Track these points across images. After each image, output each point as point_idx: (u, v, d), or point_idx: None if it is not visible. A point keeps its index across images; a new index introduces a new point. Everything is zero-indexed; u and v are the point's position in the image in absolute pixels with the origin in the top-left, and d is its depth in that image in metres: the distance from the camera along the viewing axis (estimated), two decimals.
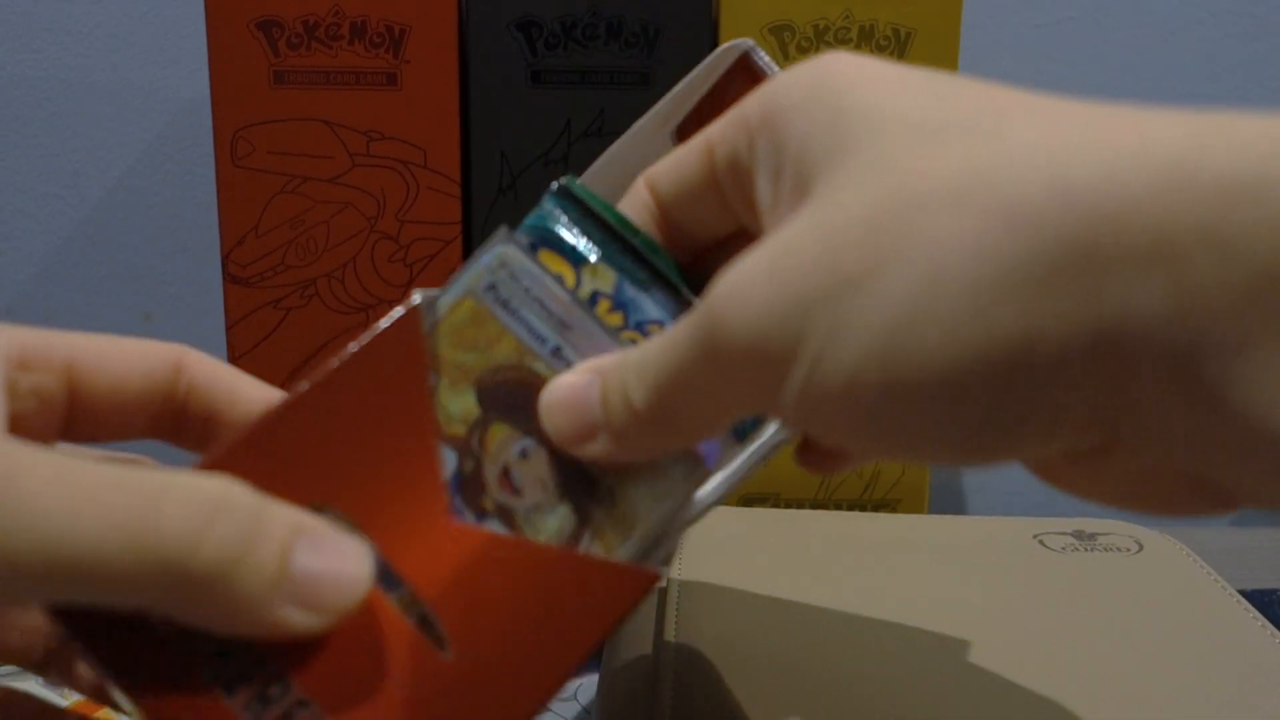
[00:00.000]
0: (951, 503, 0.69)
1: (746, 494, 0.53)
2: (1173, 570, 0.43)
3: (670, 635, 0.37)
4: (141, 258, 0.65)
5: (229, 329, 0.48)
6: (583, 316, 0.27)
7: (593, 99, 0.47)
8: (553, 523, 0.27)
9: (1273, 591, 0.51)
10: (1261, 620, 0.38)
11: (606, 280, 0.28)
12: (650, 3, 0.46)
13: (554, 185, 0.28)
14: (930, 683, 0.34)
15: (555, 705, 0.41)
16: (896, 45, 0.49)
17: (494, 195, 0.48)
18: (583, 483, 0.27)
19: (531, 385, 0.27)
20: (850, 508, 0.53)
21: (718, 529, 0.45)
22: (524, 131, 0.48)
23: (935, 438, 0.21)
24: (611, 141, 0.31)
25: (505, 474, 0.27)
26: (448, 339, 0.27)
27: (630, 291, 0.28)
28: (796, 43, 0.49)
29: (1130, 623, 0.38)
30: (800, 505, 0.53)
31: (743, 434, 0.28)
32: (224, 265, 0.48)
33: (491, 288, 0.27)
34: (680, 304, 0.28)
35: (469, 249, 0.49)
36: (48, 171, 0.64)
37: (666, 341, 0.24)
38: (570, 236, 0.28)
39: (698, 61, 0.31)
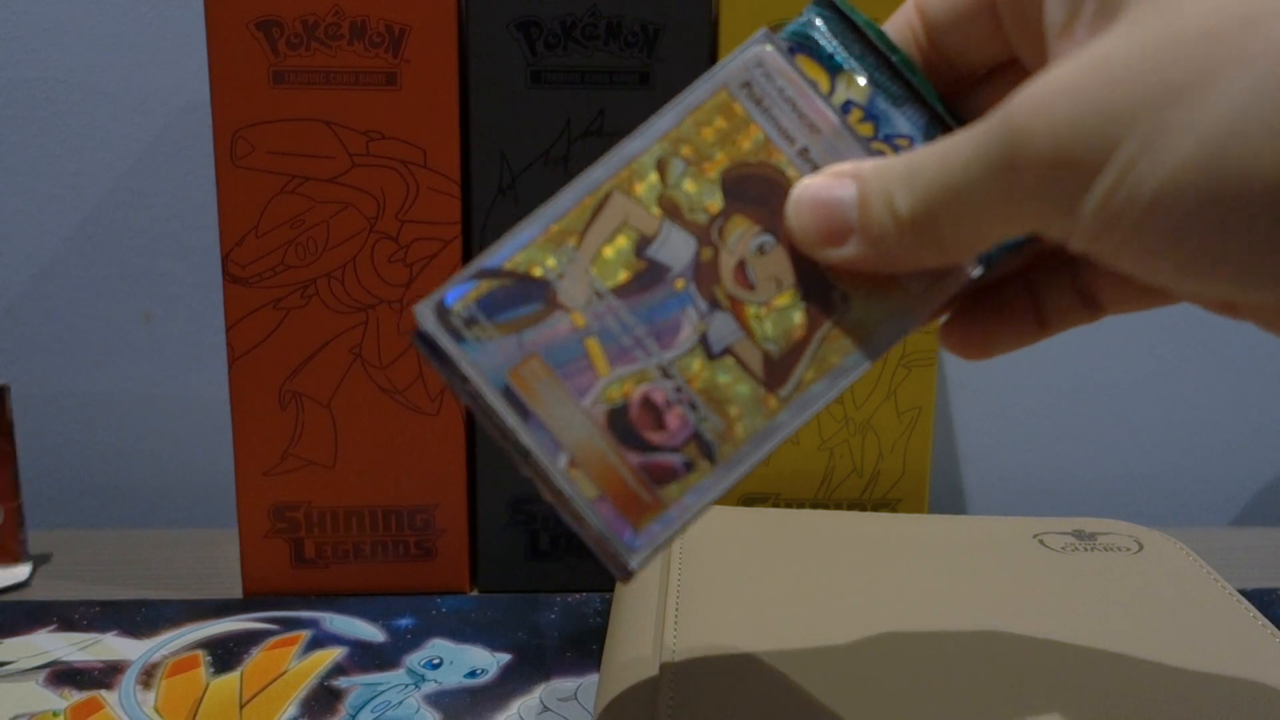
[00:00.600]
0: (951, 503, 0.69)
1: (747, 494, 0.53)
2: (1173, 570, 0.43)
3: (670, 635, 0.37)
4: (141, 258, 0.65)
5: (229, 329, 0.48)
6: (835, 121, 0.28)
7: (593, 99, 0.47)
8: (781, 323, 0.27)
9: (1273, 591, 0.51)
10: (1262, 620, 0.38)
11: (860, 92, 0.28)
12: (650, 2, 0.46)
13: None
14: (930, 683, 0.34)
15: (555, 705, 0.41)
16: None
17: (494, 195, 0.48)
18: (817, 287, 0.27)
19: (776, 182, 0.27)
20: (850, 508, 0.53)
21: (718, 529, 0.45)
22: (524, 131, 0.48)
23: (1249, 260, 0.19)
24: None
25: (741, 267, 0.27)
26: (696, 124, 0.28)
27: (883, 104, 0.28)
28: None
29: (1130, 623, 0.38)
30: (800, 505, 0.53)
31: (988, 261, 0.28)
32: (224, 265, 0.48)
33: (746, 85, 0.28)
34: (933, 122, 0.28)
35: (469, 249, 0.49)
36: (48, 172, 0.64)
37: (946, 149, 0.23)
38: (829, 45, 0.28)
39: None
